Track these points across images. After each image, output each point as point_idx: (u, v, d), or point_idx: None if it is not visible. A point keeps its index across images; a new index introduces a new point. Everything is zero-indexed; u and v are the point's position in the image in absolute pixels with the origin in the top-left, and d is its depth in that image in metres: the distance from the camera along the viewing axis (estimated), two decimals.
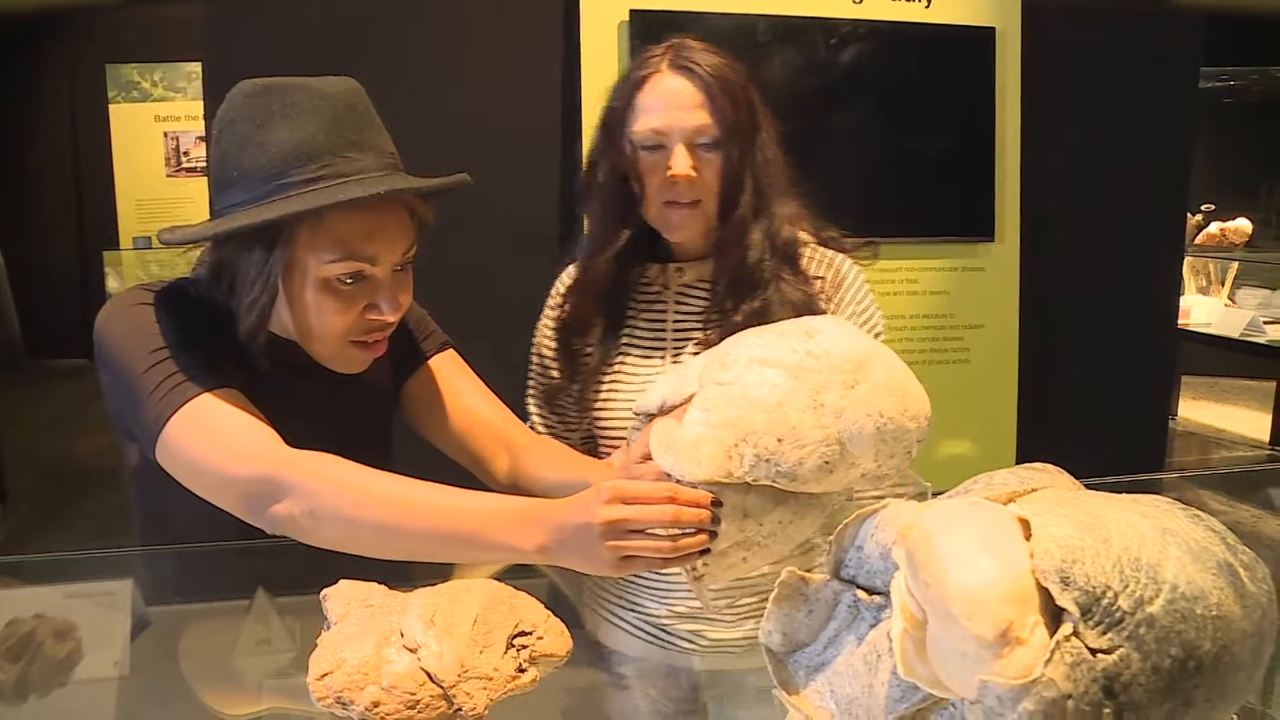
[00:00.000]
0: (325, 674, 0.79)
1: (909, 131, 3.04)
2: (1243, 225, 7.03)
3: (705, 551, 0.94)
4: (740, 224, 1.41)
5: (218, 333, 1.23)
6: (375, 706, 0.78)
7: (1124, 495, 0.65)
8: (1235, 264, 6.25)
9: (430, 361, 1.45)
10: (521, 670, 0.86)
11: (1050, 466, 0.74)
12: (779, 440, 0.96)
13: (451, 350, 1.48)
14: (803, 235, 1.47)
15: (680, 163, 1.36)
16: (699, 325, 1.46)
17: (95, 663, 1.19)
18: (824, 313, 1.44)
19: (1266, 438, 5.91)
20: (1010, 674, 0.52)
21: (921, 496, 1.05)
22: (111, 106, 6.14)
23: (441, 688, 0.80)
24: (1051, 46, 3.13)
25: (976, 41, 3.08)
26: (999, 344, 3.15)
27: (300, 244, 1.15)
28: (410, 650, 0.81)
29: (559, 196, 2.82)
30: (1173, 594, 0.56)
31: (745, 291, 1.41)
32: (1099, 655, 0.54)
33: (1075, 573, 0.55)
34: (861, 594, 0.71)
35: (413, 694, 0.79)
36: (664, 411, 1.07)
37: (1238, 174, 6.37)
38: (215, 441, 1.12)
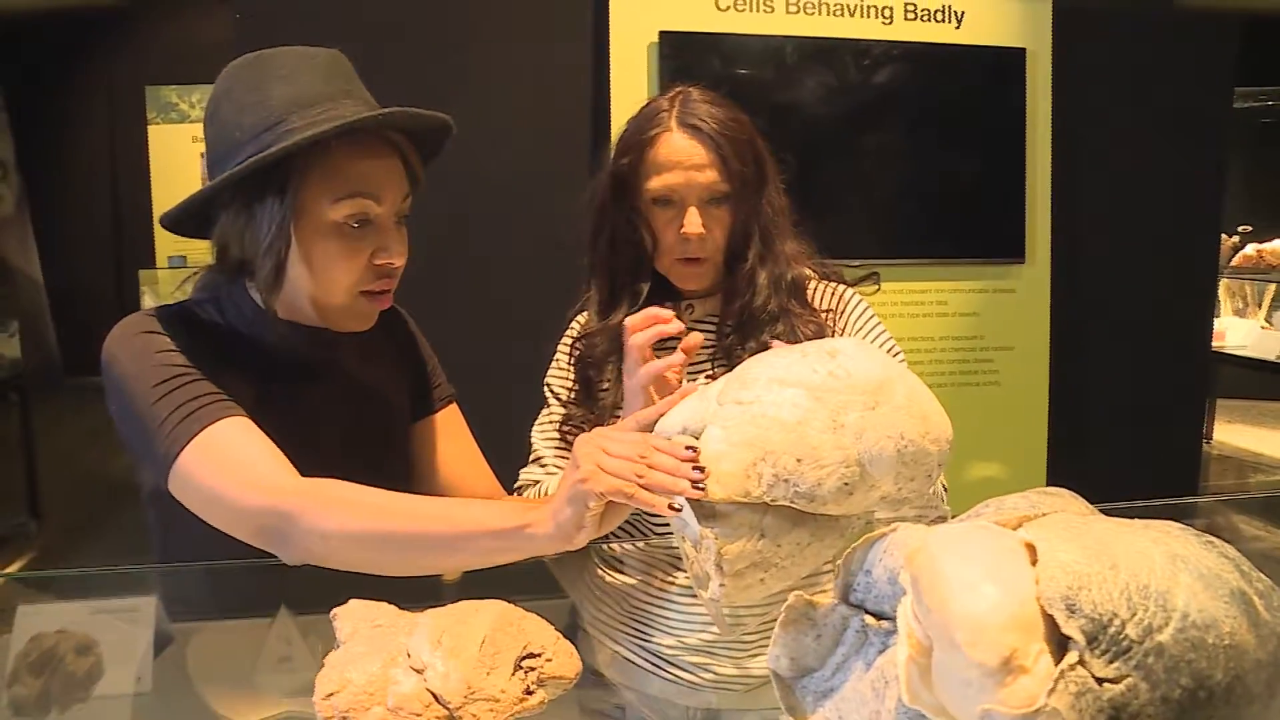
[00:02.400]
0: (331, 694, 0.79)
1: (939, 153, 3.04)
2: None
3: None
4: (748, 273, 1.48)
5: (224, 351, 1.27)
6: None
7: (1135, 520, 0.64)
8: (1273, 285, 6.16)
9: (437, 415, 1.52)
10: (529, 692, 0.86)
11: (1064, 491, 0.73)
12: (798, 460, 0.95)
13: (455, 404, 1.56)
14: (807, 271, 1.52)
15: (693, 222, 1.42)
16: (708, 360, 1.51)
17: (116, 679, 1.20)
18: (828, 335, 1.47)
19: None
20: (1013, 703, 0.52)
21: (941, 520, 1.04)
22: (150, 127, 6.22)
23: (448, 709, 0.80)
24: (1082, 67, 3.12)
25: (1007, 62, 3.09)
26: (1029, 366, 3.13)
27: (308, 187, 1.20)
28: (417, 671, 0.82)
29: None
30: (1183, 622, 0.55)
31: (753, 330, 1.47)
32: (1105, 685, 0.53)
33: (1081, 600, 0.54)
34: (870, 619, 0.71)
35: (418, 715, 0.79)
36: (687, 433, 1.07)
37: (1276, 195, 6.27)
38: (226, 473, 1.15)
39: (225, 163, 1.21)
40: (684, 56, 2.77)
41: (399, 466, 1.47)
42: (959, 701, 0.55)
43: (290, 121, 1.19)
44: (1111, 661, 0.54)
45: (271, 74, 1.22)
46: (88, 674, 1.30)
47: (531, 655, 0.89)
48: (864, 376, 1.00)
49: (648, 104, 1.51)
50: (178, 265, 6.13)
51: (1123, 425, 3.35)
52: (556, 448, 1.57)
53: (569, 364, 1.57)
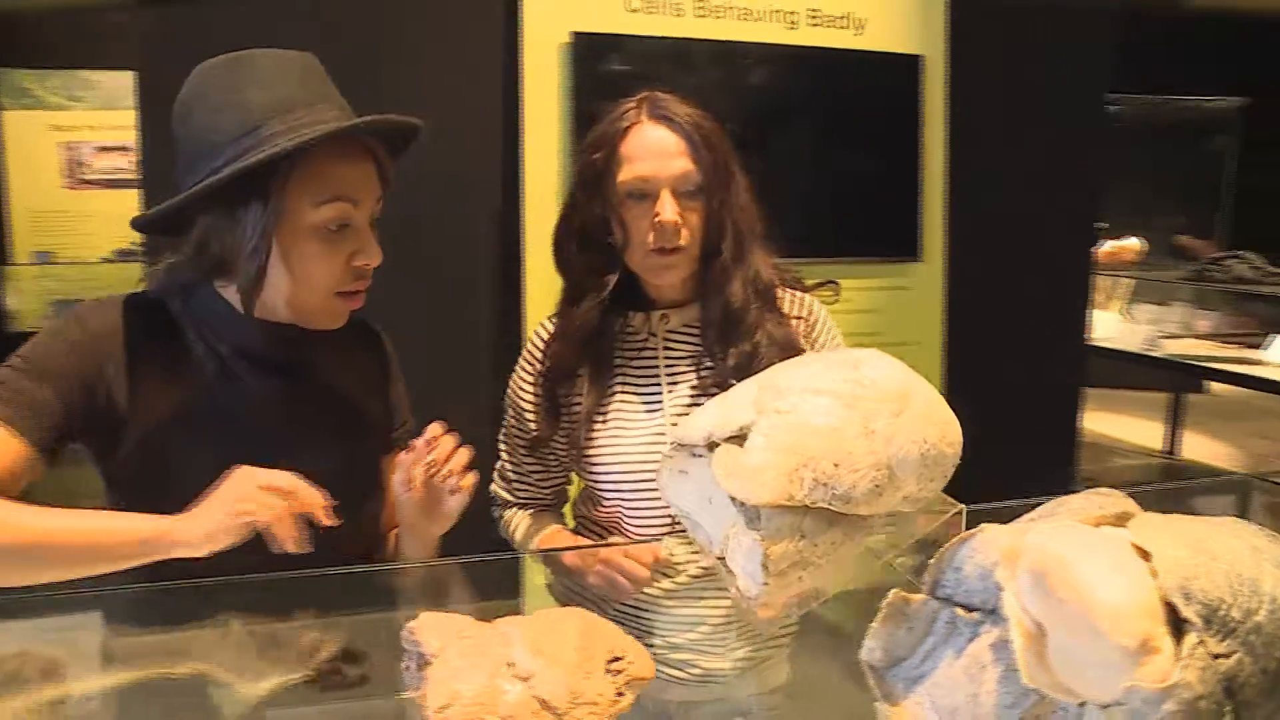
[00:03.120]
0: (443, 707, 0.82)
1: (840, 155, 3.15)
2: (1134, 244, 7.41)
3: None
4: (722, 270, 1.49)
5: (187, 346, 1.31)
6: None
7: (1205, 519, 0.73)
8: (1129, 281, 6.58)
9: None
10: (620, 695, 0.90)
11: (1115, 491, 0.82)
12: (835, 465, 1.02)
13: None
14: (775, 279, 1.56)
15: (667, 209, 1.42)
16: (690, 368, 1.53)
17: (83, 699, 1.21)
18: (803, 350, 1.53)
19: (1160, 446, 6.25)
20: (1153, 679, 0.60)
21: (957, 516, 1.13)
22: (3, 114, 5.90)
23: (555, 714, 0.84)
24: (973, 74, 3.27)
25: (904, 68, 3.18)
26: (926, 360, 3.27)
27: (291, 191, 1.22)
28: (522, 679, 0.85)
29: (499, 220, 2.84)
30: (1273, 605, 0.64)
31: (733, 335, 1.49)
32: (1219, 660, 0.62)
33: (1194, 588, 0.63)
34: (960, 611, 0.78)
35: None
36: (711, 442, 1.13)
37: (1130, 196, 6.70)
38: None
39: (201, 164, 1.22)
40: (595, 57, 2.78)
41: (366, 471, 1.47)
42: (1095, 681, 0.63)
43: (271, 126, 1.21)
44: (1222, 640, 0.63)
45: (248, 78, 1.23)
46: (56, 696, 1.28)
47: (616, 659, 0.93)
48: (889, 385, 1.08)
49: (615, 105, 1.52)
50: (43, 261, 5.86)
51: (1011, 415, 3.55)
52: (514, 465, 1.62)
53: (533, 377, 1.58)
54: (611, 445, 1.51)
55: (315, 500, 1.16)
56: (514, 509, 1.65)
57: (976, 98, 3.28)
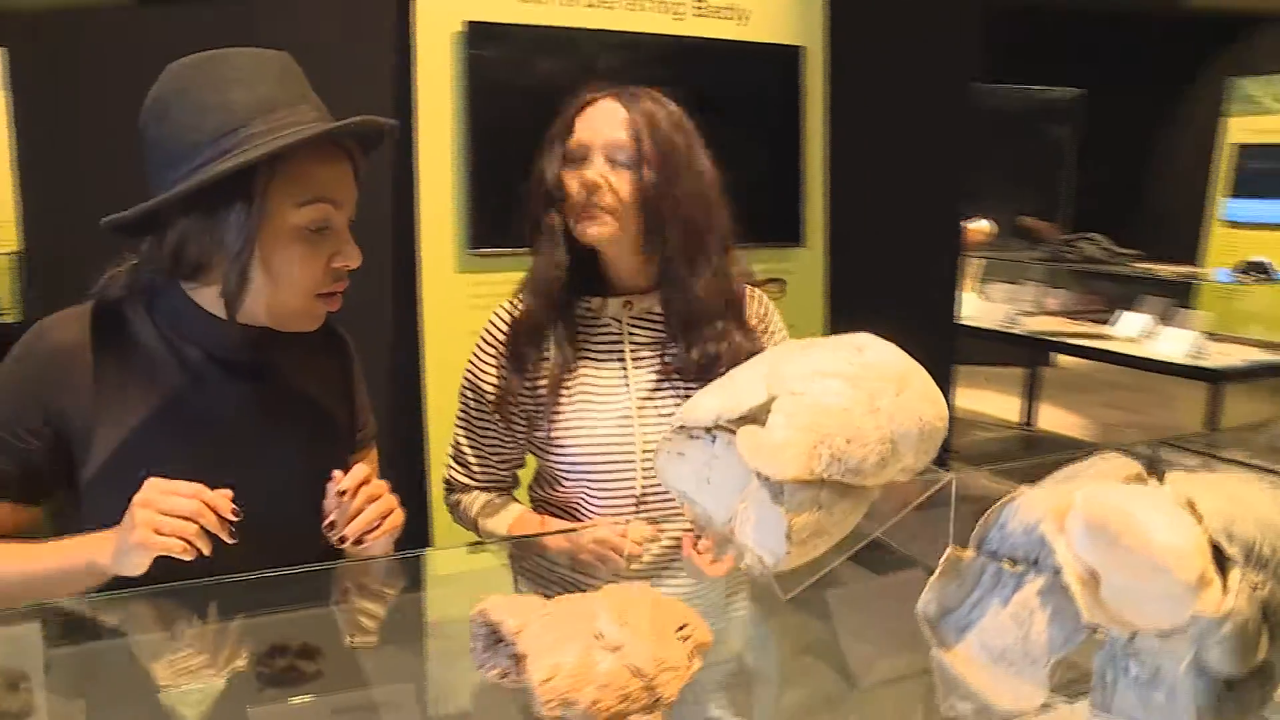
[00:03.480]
0: (547, 680, 0.87)
1: (726, 143, 3.26)
2: (985, 226, 7.81)
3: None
4: (684, 263, 1.53)
5: (149, 351, 1.32)
6: (595, 704, 0.87)
7: (1225, 474, 0.85)
8: (982, 261, 6.94)
9: (364, 452, 1.57)
10: (691, 659, 0.97)
11: (1116, 454, 0.94)
12: (848, 441, 1.12)
13: (374, 447, 1.61)
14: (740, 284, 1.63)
15: (595, 169, 1.49)
16: (654, 354, 1.59)
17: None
18: (759, 345, 1.60)
19: (1017, 419, 6.62)
20: (1211, 607, 0.71)
21: (947, 486, 1.23)
22: None
23: (645, 680, 0.90)
24: (850, 65, 3.41)
25: (787, 59, 3.31)
26: None
27: (273, 192, 1.22)
28: (612, 650, 0.91)
29: (390, 211, 2.86)
30: None
31: (698, 333, 1.56)
32: (1256, 590, 0.73)
33: (1234, 531, 0.74)
34: (1006, 565, 0.89)
35: (624, 689, 0.89)
36: (718, 425, 1.20)
37: (978, 181, 7.04)
38: None
39: (180, 164, 1.21)
40: (489, 46, 2.82)
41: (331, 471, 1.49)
42: (1156, 614, 0.74)
43: (254, 126, 1.21)
44: (1258, 573, 0.74)
45: (229, 77, 1.23)
46: (24, 709, 1.27)
47: (682, 626, 1.00)
48: (889, 367, 1.18)
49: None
50: None
51: None
52: (473, 448, 1.65)
53: (494, 356, 1.61)
54: (577, 426, 1.56)
55: (221, 510, 1.16)
56: (473, 492, 1.69)
57: (853, 87, 3.42)
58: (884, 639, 1.17)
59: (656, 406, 1.58)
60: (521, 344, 1.59)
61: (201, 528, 1.14)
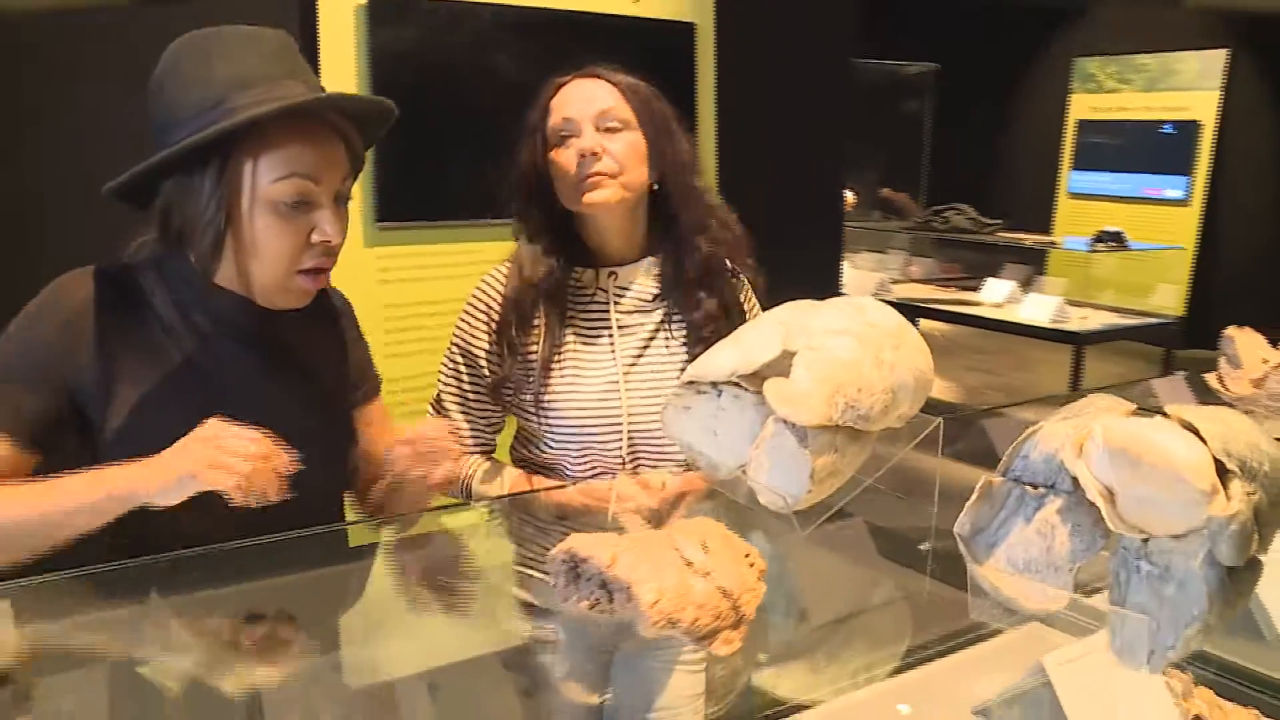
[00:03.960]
0: (655, 602, 0.99)
1: None
2: (848, 196, 8.11)
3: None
4: (683, 226, 1.65)
5: (158, 316, 1.35)
6: (695, 622, 0.99)
7: (1210, 406, 1.03)
8: (849, 231, 7.22)
9: (370, 405, 1.62)
10: (759, 582, 1.10)
11: (1109, 395, 1.10)
12: (859, 390, 1.26)
13: (380, 395, 1.66)
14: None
15: (588, 138, 1.56)
16: (639, 322, 1.69)
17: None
18: (743, 308, 1.75)
19: None
20: (1222, 510, 0.88)
21: (936, 429, 1.39)
22: None
23: (732, 600, 1.03)
24: (737, 42, 3.55)
25: (680, 34, 3.42)
26: None
27: (246, 162, 1.26)
28: (704, 574, 1.03)
29: None
30: (1273, 460, 0.94)
31: (689, 295, 1.67)
32: (1250, 496, 0.91)
33: (1231, 450, 0.91)
34: (1028, 488, 1.04)
35: (716, 608, 1.01)
36: (734, 377, 1.33)
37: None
38: None
39: (168, 136, 1.26)
40: (392, 22, 2.84)
41: (338, 439, 1.54)
42: (1173, 519, 0.90)
43: (232, 100, 1.24)
44: (1250, 483, 0.91)
45: (215, 53, 1.27)
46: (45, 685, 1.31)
47: (747, 554, 1.13)
48: (888, 324, 1.33)
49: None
50: None
51: None
52: (464, 412, 1.73)
53: (485, 324, 1.69)
54: (567, 392, 1.66)
55: (282, 461, 1.21)
56: (463, 457, 1.76)
57: (740, 64, 3.56)
58: (884, 565, 1.33)
59: (641, 372, 1.68)
60: (513, 327, 1.66)
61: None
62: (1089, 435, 0.96)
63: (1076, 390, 5.16)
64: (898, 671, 1.37)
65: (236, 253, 1.32)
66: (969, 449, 1.53)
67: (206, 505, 1.21)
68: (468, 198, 2.90)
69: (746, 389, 1.36)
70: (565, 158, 1.58)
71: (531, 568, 1.71)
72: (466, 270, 2.98)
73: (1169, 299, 6.11)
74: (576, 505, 1.58)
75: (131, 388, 1.33)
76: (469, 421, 1.74)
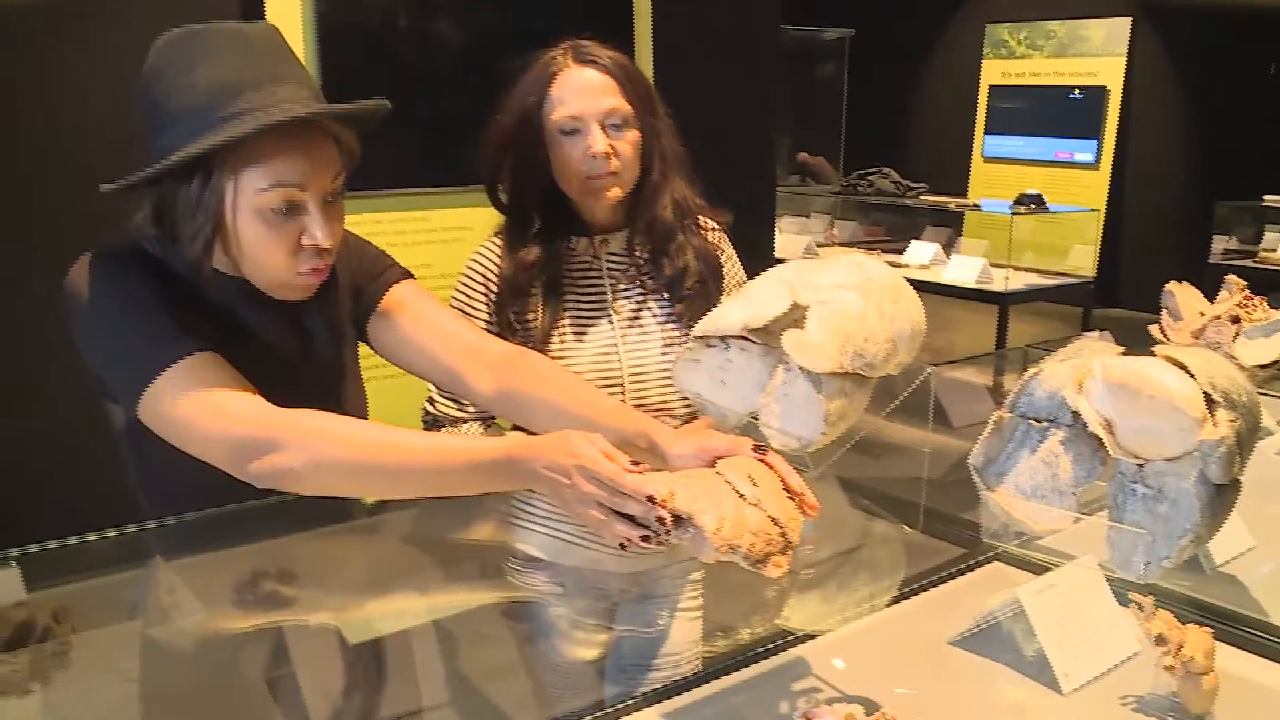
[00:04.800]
0: (717, 529, 1.08)
1: None
2: None
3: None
4: (652, 191, 1.72)
5: (177, 289, 1.32)
6: (751, 547, 1.10)
7: (1190, 346, 1.16)
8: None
9: (393, 289, 1.53)
10: (799, 512, 1.21)
11: (1099, 338, 1.24)
12: (865, 340, 1.38)
13: (413, 279, 1.57)
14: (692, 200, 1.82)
15: (598, 141, 1.60)
16: (631, 285, 1.76)
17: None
18: (719, 259, 1.83)
19: None
20: (1213, 436, 1.01)
21: (927, 378, 1.51)
22: None
23: (780, 528, 1.13)
24: (670, 7, 3.63)
25: (615, 7, 3.48)
26: None
27: (232, 174, 1.23)
28: (755, 504, 1.14)
29: None
30: (1248, 395, 1.08)
31: (664, 250, 1.74)
32: (1233, 423, 1.05)
33: (1216, 383, 1.05)
34: (1032, 423, 1.17)
35: (769, 534, 1.11)
36: (747, 330, 1.44)
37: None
38: (203, 402, 1.22)
39: (157, 139, 1.25)
40: None
41: (354, 380, 1.54)
42: (1169, 444, 1.04)
43: (215, 110, 1.21)
44: (1231, 411, 1.05)
45: (198, 56, 1.24)
46: (74, 639, 1.36)
47: (786, 488, 1.24)
48: (886, 280, 1.45)
49: (538, 56, 1.66)
50: None
51: None
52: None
53: (484, 294, 1.74)
54: (565, 359, 1.72)
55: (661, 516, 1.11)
56: (465, 423, 1.79)
57: (673, 28, 3.62)
58: (886, 503, 1.46)
59: (636, 332, 1.76)
60: (510, 306, 1.71)
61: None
62: (1089, 373, 1.09)
63: (999, 349, 5.39)
64: (893, 604, 1.51)
65: (230, 254, 1.31)
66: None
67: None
68: (417, 165, 2.96)
69: (754, 342, 1.47)
70: (572, 153, 1.62)
71: (526, 521, 1.80)
72: (421, 238, 3.03)
73: (1082, 260, 6.38)
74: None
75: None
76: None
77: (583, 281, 1.76)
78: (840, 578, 1.48)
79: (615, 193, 1.66)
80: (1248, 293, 2.00)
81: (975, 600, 1.50)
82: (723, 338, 1.48)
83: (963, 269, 5.63)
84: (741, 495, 1.14)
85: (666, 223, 1.73)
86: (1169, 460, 1.05)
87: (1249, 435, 1.06)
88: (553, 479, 1.12)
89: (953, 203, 6.80)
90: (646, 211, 1.72)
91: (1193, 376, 1.05)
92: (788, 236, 6.84)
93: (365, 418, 1.56)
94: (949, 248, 6.35)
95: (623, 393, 1.73)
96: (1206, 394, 1.04)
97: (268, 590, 1.50)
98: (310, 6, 2.80)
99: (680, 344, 1.74)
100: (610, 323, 1.75)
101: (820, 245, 7.03)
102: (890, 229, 7.49)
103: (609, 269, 1.77)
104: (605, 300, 1.76)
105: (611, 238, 1.77)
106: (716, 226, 1.87)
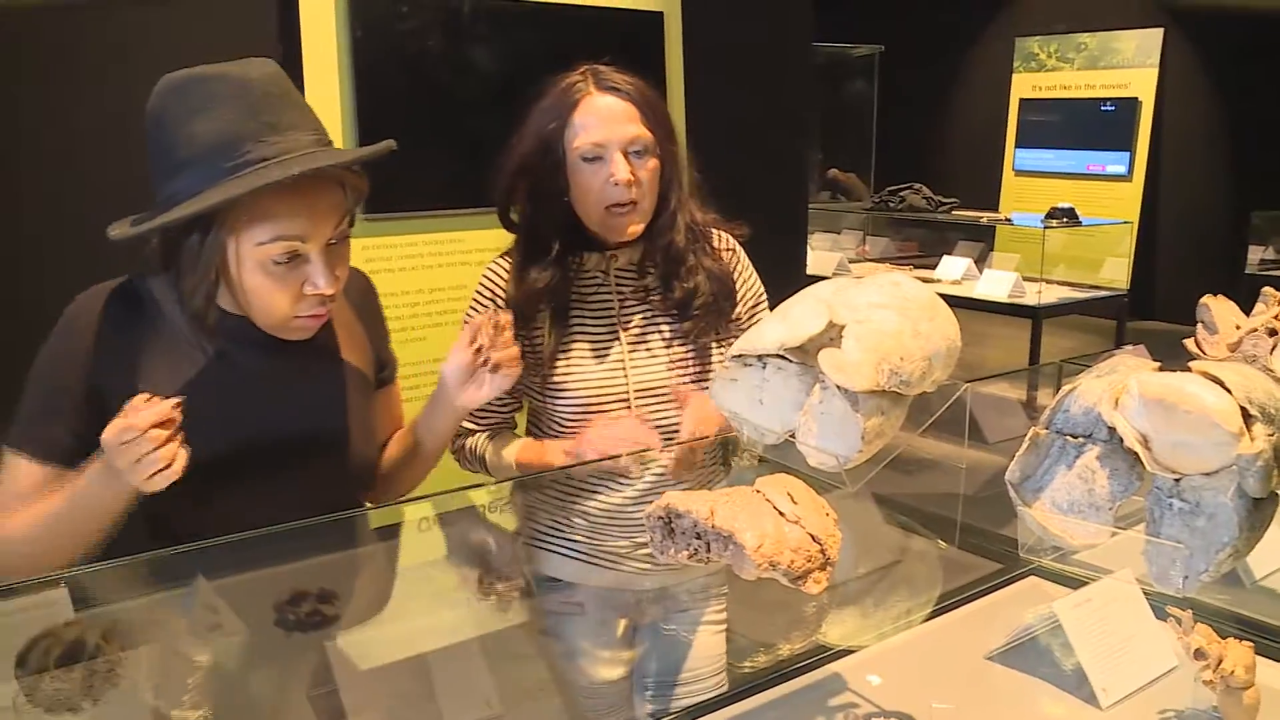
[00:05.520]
0: (758, 547, 1.11)
1: None
2: None
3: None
4: (670, 219, 1.73)
5: (165, 324, 1.35)
6: (791, 564, 1.12)
7: (1225, 361, 1.17)
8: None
9: (388, 389, 1.66)
10: (837, 530, 1.23)
11: (1135, 353, 1.25)
12: (901, 359, 1.39)
13: (397, 379, 1.68)
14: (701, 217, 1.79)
15: (621, 169, 1.60)
16: (639, 302, 1.77)
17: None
18: (734, 278, 1.83)
19: None
20: (1249, 450, 1.02)
21: (963, 394, 1.52)
22: None
23: (820, 545, 1.15)
24: (703, 29, 3.66)
25: (649, 23, 3.52)
26: None
27: (233, 228, 1.24)
28: (793, 522, 1.16)
29: None
30: None
31: (676, 273, 1.73)
32: (1271, 437, 1.05)
33: (1253, 397, 1.06)
34: (1069, 439, 1.19)
35: (808, 551, 1.13)
36: (784, 349, 1.46)
37: None
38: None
39: (162, 186, 1.26)
40: (372, 14, 2.90)
41: (361, 418, 1.56)
42: (1206, 459, 1.05)
43: (215, 164, 1.22)
44: (1268, 426, 1.06)
45: (198, 105, 1.24)
46: (128, 659, 1.39)
47: (823, 506, 1.26)
48: (921, 299, 1.46)
49: (559, 79, 1.67)
50: None
51: None
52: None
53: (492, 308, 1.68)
54: (575, 376, 1.73)
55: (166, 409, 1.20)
56: (477, 435, 1.81)
57: (705, 50, 3.65)
58: (922, 519, 1.47)
59: (643, 351, 1.76)
60: (518, 327, 1.67)
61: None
62: (1124, 389, 1.10)
63: (1034, 364, 5.37)
64: (929, 619, 1.52)
65: (233, 297, 1.33)
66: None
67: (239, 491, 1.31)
68: (452, 188, 2.98)
69: (791, 361, 1.49)
70: (593, 180, 1.63)
71: (546, 543, 1.81)
72: (453, 259, 3.06)
73: (1115, 272, 6.34)
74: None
75: (156, 391, 1.31)
76: (487, 403, 1.73)
77: (593, 299, 1.76)
78: (877, 593, 1.50)
79: (636, 229, 1.67)
80: None
81: (1012, 615, 1.50)
82: (760, 357, 1.50)
83: (995, 284, 5.62)
84: (781, 513, 1.16)
85: (679, 249, 1.73)
86: (1206, 475, 1.06)
87: None
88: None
89: (984, 217, 6.79)
90: (661, 239, 1.73)
91: (1229, 391, 1.06)
92: (819, 253, 6.84)
93: (373, 460, 1.62)
94: (981, 263, 6.33)
95: (629, 409, 1.74)
96: (1243, 408, 1.05)
97: (307, 610, 1.52)
98: (346, 33, 2.85)
99: (687, 362, 1.77)
100: (618, 340, 1.75)
101: (852, 262, 7.02)
102: (922, 245, 7.48)
103: (618, 285, 1.77)
104: (613, 317, 1.76)
105: (620, 254, 1.76)
106: (732, 246, 1.87)
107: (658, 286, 1.76)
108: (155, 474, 1.18)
